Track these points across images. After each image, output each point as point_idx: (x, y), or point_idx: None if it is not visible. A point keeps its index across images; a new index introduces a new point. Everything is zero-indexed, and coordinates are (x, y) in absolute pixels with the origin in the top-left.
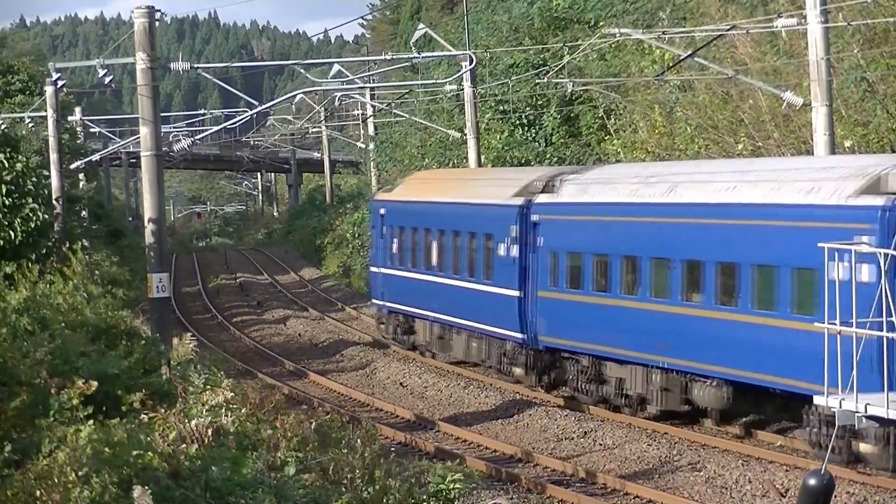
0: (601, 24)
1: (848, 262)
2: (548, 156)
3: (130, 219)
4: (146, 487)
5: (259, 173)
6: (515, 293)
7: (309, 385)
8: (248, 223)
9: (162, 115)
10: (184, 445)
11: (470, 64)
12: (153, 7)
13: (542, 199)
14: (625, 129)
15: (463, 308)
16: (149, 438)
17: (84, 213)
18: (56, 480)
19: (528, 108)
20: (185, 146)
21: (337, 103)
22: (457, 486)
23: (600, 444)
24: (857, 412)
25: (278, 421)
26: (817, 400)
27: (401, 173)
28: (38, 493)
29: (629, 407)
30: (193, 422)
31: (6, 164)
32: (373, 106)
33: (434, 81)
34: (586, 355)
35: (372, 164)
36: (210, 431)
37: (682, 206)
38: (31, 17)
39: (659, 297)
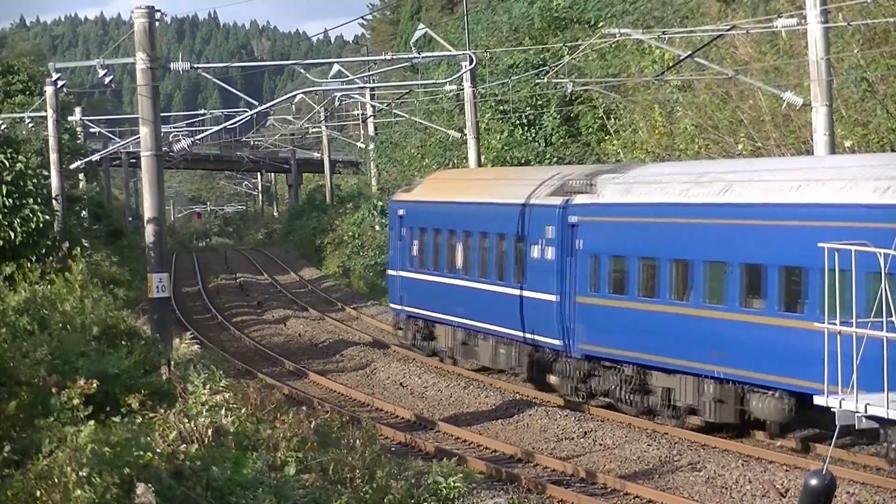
0: (601, 24)
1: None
2: (547, 156)
3: (130, 219)
4: (149, 485)
5: (259, 173)
6: (553, 298)
7: (309, 385)
8: (248, 223)
9: (162, 115)
10: (184, 445)
11: (470, 64)
12: (153, 7)
13: (580, 199)
14: (625, 129)
15: (491, 313)
16: (149, 438)
17: (84, 213)
18: (56, 481)
19: (527, 108)
20: (185, 146)
21: (337, 103)
22: (457, 485)
23: (600, 444)
24: (857, 412)
25: (278, 421)
26: (817, 400)
27: (401, 173)
28: (38, 493)
29: (676, 418)
30: (193, 422)
31: (6, 165)
32: (373, 106)
33: (434, 81)
34: (630, 364)
35: (372, 164)
36: (210, 431)
37: (740, 206)
38: (31, 17)
39: (714, 302)
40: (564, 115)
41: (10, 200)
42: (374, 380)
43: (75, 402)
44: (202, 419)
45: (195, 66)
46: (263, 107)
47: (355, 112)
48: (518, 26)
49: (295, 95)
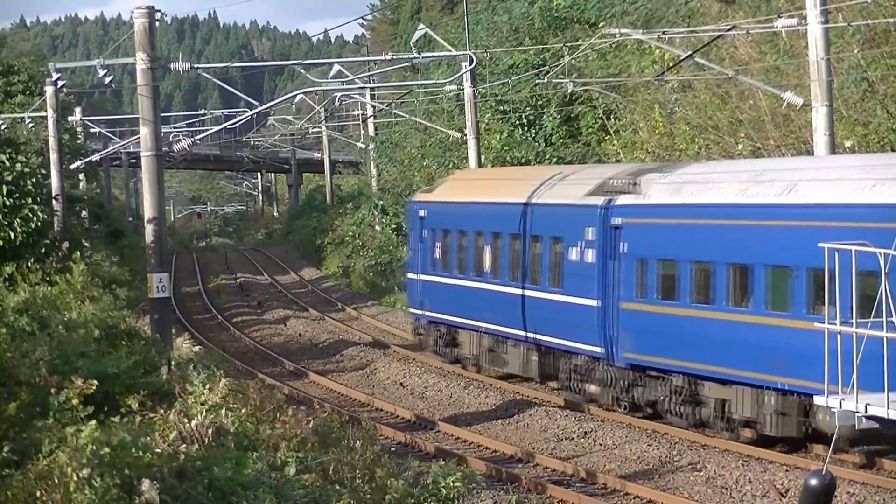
0: (601, 24)
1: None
2: (547, 156)
3: (130, 219)
4: (154, 482)
5: (259, 173)
6: (593, 303)
7: (309, 385)
8: (248, 223)
9: (162, 115)
10: (184, 445)
11: (470, 64)
12: (153, 7)
13: (624, 200)
14: (625, 129)
15: (522, 319)
16: (149, 439)
17: (84, 213)
18: (56, 481)
19: (527, 109)
20: (185, 146)
21: (337, 103)
22: (457, 485)
23: (600, 444)
24: (857, 412)
25: (278, 421)
26: (817, 400)
27: (401, 173)
28: (38, 493)
29: (729, 431)
30: (193, 422)
31: (6, 164)
32: (373, 106)
33: (434, 82)
34: (680, 374)
35: (372, 164)
36: (210, 431)
37: (807, 207)
38: (31, 17)
39: (777, 309)
40: (564, 116)
41: (10, 200)
42: (374, 380)
43: (74, 402)
44: (202, 419)
45: (195, 66)
46: (263, 107)
47: (355, 112)
48: (518, 26)
49: (295, 95)
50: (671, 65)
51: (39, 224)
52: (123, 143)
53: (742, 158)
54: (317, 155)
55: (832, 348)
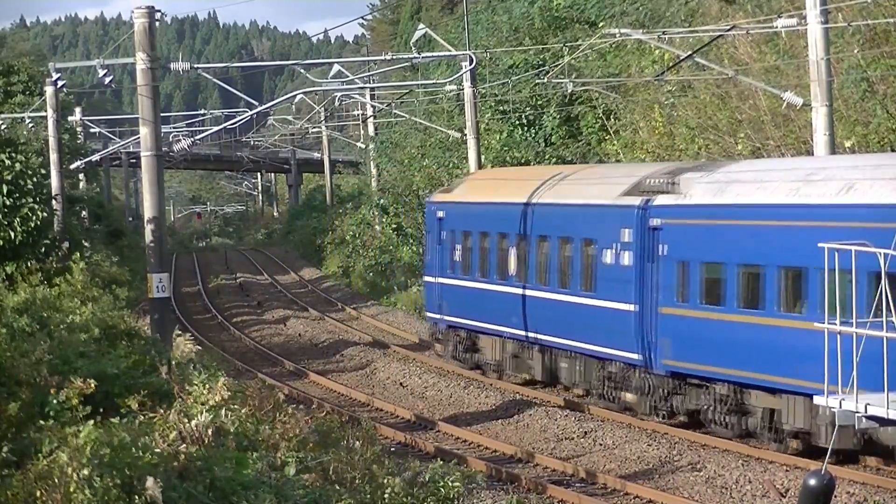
0: (601, 24)
1: None
2: (547, 156)
3: (130, 219)
4: (157, 480)
5: (259, 173)
6: (630, 308)
7: (309, 385)
8: (248, 223)
9: (162, 115)
10: (184, 445)
11: (470, 64)
12: (153, 7)
13: (663, 200)
14: (625, 129)
15: (551, 324)
16: (149, 438)
17: (84, 213)
18: (56, 481)
19: (527, 109)
20: (185, 146)
21: (337, 103)
22: (456, 485)
23: (600, 444)
24: (857, 412)
25: (278, 421)
26: (817, 400)
27: (401, 173)
28: (38, 493)
29: (778, 442)
30: (193, 422)
31: (6, 164)
32: (373, 106)
33: (434, 82)
34: (725, 382)
35: (372, 164)
36: (210, 431)
37: (868, 207)
38: (31, 17)
39: (834, 314)
40: (564, 116)
41: (10, 200)
42: (374, 380)
43: (74, 402)
44: (202, 419)
45: (195, 66)
46: (263, 107)
47: (355, 112)
48: (518, 26)
49: (295, 95)
50: (671, 65)
51: (39, 224)
52: (123, 143)
53: (742, 158)
54: (317, 155)
55: (832, 348)
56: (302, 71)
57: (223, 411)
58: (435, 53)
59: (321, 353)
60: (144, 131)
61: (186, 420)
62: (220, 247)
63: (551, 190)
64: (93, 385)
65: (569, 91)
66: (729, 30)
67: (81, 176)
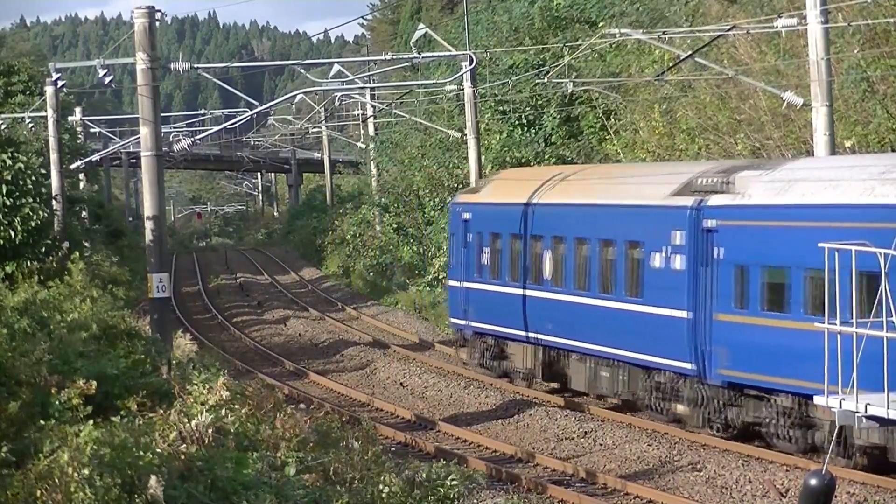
0: (601, 23)
1: None
2: (546, 156)
3: (130, 219)
4: (160, 478)
5: (259, 173)
6: (682, 314)
7: (309, 385)
8: (248, 223)
9: (162, 115)
10: (184, 445)
11: (470, 64)
12: (153, 7)
13: (718, 200)
14: (625, 128)
15: (591, 330)
16: (149, 438)
17: (84, 213)
18: (57, 481)
19: (527, 109)
20: (185, 146)
21: (337, 103)
22: (456, 485)
23: (600, 444)
24: (857, 412)
25: (278, 421)
26: (817, 400)
27: (401, 173)
28: (38, 493)
29: (847, 458)
30: (193, 422)
31: (7, 164)
32: (373, 106)
33: (434, 81)
34: (788, 394)
35: (372, 164)
36: (210, 431)
37: None
38: (31, 17)
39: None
40: (564, 116)
41: (11, 200)
42: (374, 380)
43: (75, 402)
44: (202, 419)
45: (195, 66)
46: (263, 107)
47: (355, 112)
48: (518, 26)
49: (295, 95)
50: (671, 65)
51: (40, 224)
52: (123, 143)
53: (741, 158)
54: (317, 155)
55: (832, 348)
56: (302, 71)
57: (223, 411)
58: (435, 53)
59: (321, 353)
60: (144, 131)
61: (186, 420)
62: (220, 247)
63: (589, 190)
64: (94, 386)
65: (569, 91)
66: (729, 30)
67: (81, 176)
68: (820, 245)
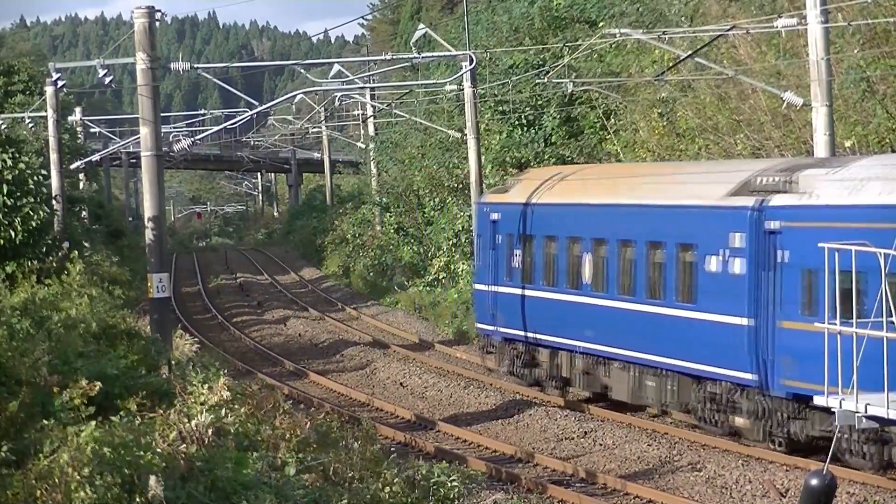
0: (601, 23)
1: None
2: (546, 156)
3: (130, 219)
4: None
5: (259, 173)
6: (743, 321)
7: (309, 385)
8: (248, 223)
9: (162, 115)
10: (184, 445)
11: (470, 64)
12: (153, 7)
13: (782, 200)
14: (625, 128)
15: (636, 338)
16: (149, 439)
17: (84, 213)
18: (57, 481)
19: (527, 109)
20: (185, 146)
21: (337, 103)
22: (456, 485)
23: (600, 444)
24: (857, 412)
25: (278, 421)
26: (817, 400)
27: (401, 173)
28: (38, 493)
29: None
30: (193, 422)
31: (8, 164)
32: (373, 106)
33: (434, 81)
34: None
35: (372, 164)
36: (210, 431)
37: None
38: (31, 17)
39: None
40: (564, 116)
41: (11, 200)
42: (374, 380)
43: (77, 402)
44: (202, 419)
45: (195, 66)
46: (263, 107)
47: (355, 112)
48: (518, 26)
49: (295, 95)
50: (671, 65)
51: (40, 224)
52: (123, 143)
53: (741, 158)
54: (317, 155)
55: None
56: (302, 71)
57: (223, 411)
58: (435, 53)
59: (321, 353)
60: (144, 131)
61: (186, 420)
62: (220, 247)
63: (633, 190)
64: (97, 386)
65: (569, 91)
66: (729, 30)
67: (81, 176)
68: (819, 245)
